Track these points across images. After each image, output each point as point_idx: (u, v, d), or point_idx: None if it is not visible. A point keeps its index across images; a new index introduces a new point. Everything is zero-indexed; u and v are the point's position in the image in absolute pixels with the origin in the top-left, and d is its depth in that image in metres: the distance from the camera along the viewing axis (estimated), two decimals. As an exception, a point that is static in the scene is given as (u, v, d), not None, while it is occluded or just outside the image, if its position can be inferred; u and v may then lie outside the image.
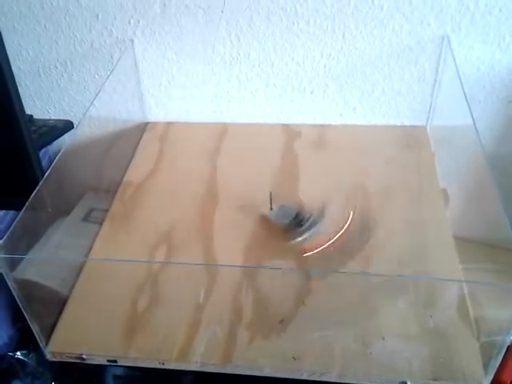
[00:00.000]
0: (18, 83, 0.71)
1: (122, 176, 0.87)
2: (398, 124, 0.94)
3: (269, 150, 0.90)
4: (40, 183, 0.63)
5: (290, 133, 0.95)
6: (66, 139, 0.95)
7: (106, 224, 0.78)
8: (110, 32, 0.89)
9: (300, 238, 0.71)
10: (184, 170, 0.87)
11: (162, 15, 0.86)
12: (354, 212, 0.74)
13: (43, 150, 0.90)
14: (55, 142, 0.93)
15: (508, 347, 0.54)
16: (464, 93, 0.71)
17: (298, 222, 0.72)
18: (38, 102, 0.99)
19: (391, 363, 0.59)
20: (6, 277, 0.55)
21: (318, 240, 0.70)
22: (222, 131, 0.96)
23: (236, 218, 0.77)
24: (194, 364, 0.62)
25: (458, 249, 0.70)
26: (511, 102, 0.87)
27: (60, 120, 0.97)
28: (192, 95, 0.96)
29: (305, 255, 0.69)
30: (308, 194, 0.80)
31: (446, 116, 0.88)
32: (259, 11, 0.84)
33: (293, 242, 0.71)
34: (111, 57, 0.92)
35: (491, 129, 0.90)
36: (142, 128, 0.99)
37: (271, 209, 0.75)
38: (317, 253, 0.69)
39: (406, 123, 0.94)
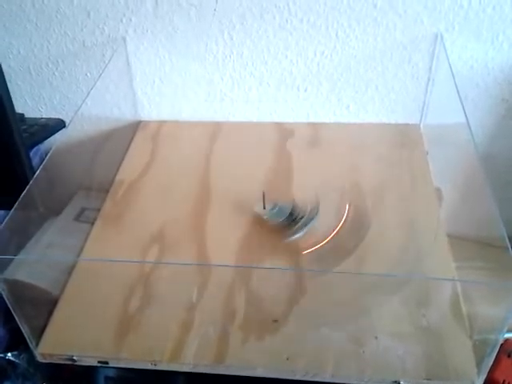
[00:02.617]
0: (8, 82, 0.71)
1: (114, 175, 0.86)
2: (392, 122, 0.94)
3: (262, 149, 0.90)
4: (30, 182, 0.63)
5: (284, 131, 0.94)
6: (58, 138, 0.94)
7: (97, 223, 0.78)
8: (102, 30, 0.88)
9: (296, 236, 0.70)
10: (177, 169, 0.87)
11: (154, 13, 0.86)
12: (348, 208, 0.74)
13: (34, 149, 0.89)
14: (47, 141, 0.92)
15: (501, 346, 0.54)
16: (457, 91, 0.71)
17: (292, 220, 0.72)
18: (30, 100, 0.98)
19: (384, 362, 0.59)
20: (-5, 278, 0.55)
21: (313, 237, 0.70)
22: (215, 130, 0.95)
23: (229, 218, 0.76)
24: (186, 365, 0.61)
25: (452, 247, 0.69)
26: (504, 101, 0.87)
27: (51, 119, 0.97)
28: (185, 94, 0.95)
29: (304, 253, 0.68)
30: (302, 193, 0.79)
31: (440, 114, 0.88)
32: (252, 9, 0.83)
33: (288, 240, 0.71)
34: (103, 55, 0.91)
35: (484, 127, 0.90)
36: (135, 127, 0.98)
37: (264, 208, 0.74)
38: (315, 250, 0.69)
39: (400, 121, 0.94)
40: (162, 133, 0.96)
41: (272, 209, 0.74)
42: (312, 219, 0.71)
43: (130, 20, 0.87)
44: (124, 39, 0.89)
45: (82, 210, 0.85)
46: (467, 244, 0.80)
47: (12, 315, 0.58)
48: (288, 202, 0.74)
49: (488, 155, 0.91)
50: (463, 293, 0.63)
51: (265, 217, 0.74)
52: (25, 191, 0.61)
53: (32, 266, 0.68)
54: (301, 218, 0.72)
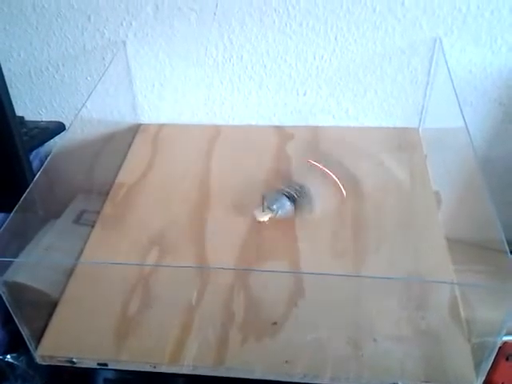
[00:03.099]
0: (8, 85, 0.71)
1: (114, 178, 0.86)
2: (391, 126, 0.94)
3: (262, 152, 0.90)
4: (30, 185, 0.63)
5: (283, 135, 0.95)
6: (58, 141, 0.94)
7: (97, 226, 0.78)
8: (102, 34, 0.89)
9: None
10: (176, 172, 0.87)
11: (154, 17, 0.86)
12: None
13: (34, 152, 0.89)
14: (46, 144, 0.93)
15: (499, 348, 0.54)
16: (456, 95, 0.71)
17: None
18: (30, 103, 0.99)
19: (383, 365, 0.59)
20: (-5, 280, 0.55)
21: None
22: (214, 133, 0.96)
23: (228, 221, 0.76)
24: (185, 367, 0.61)
25: (450, 250, 0.70)
26: (502, 105, 0.88)
27: (51, 122, 0.97)
28: (184, 97, 0.96)
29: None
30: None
31: (438, 118, 0.88)
32: (251, 13, 0.84)
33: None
34: (103, 58, 0.91)
35: (483, 131, 0.91)
36: (135, 130, 0.98)
37: (263, 211, 0.74)
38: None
39: (399, 125, 0.94)
40: (161, 136, 0.97)
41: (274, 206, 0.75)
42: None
43: (131, 24, 0.87)
44: (124, 43, 0.89)
45: (82, 213, 0.85)
46: (466, 247, 0.80)
47: (11, 317, 0.58)
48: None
49: (486, 159, 0.92)
50: (462, 296, 0.63)
51: (262, 219, 0.74)
52: (25, 194, 0.61)
53: (32, 268, 0.68)
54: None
